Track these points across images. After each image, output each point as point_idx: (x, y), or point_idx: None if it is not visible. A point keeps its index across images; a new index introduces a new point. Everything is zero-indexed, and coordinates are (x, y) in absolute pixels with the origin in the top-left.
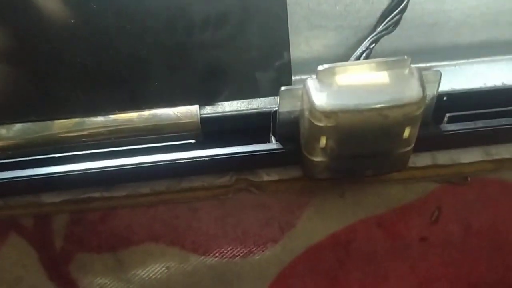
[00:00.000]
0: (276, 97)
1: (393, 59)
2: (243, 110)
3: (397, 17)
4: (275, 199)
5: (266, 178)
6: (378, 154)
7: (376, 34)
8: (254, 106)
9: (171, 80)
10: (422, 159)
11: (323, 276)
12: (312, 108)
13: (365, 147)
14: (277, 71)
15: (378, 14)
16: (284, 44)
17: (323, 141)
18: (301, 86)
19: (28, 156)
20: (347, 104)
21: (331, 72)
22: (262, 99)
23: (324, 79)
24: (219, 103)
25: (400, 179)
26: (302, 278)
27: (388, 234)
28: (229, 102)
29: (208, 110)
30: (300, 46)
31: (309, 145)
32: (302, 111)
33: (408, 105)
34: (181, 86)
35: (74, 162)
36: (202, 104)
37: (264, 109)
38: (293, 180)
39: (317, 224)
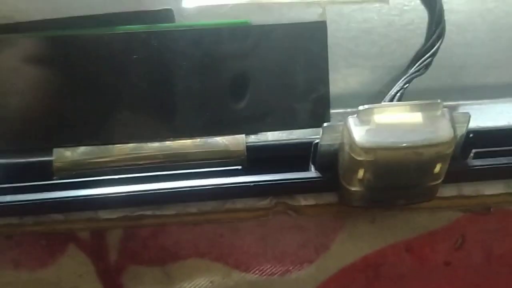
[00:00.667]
0: (314, 129)
1: (427, 102)
2: (285, 140)
3: (428, 59)
4: (311, 222)
5: (303, 202)
6: (410, 187)
7: (409, 76)
8: (295, 137)
9: (220, 111)
10: (449, 190)
11: None
12: (353, 143)
13: (399, 180)
14: (317, 105)
15: (411, 55)
16: (324, 81)
17: (360, 173)
18: (342, 122)
19: (89, 177)
20: (385, 142)
21: (370, 112)
22: (302, 130)
23: (364, 117)
24: (263, 133)
25: (427, 207)
26: None
27: (415, 258)
28: (272, 132)
29: (253, 139)
30: (338, 83)
31: (347, 176)
32: (342, 145)
33: (440, 144)
34: (228, 116)
35: (129, 184)
36: (247, 134)
37: (304, 140)
38: (328, 205)
39: (349, 247)
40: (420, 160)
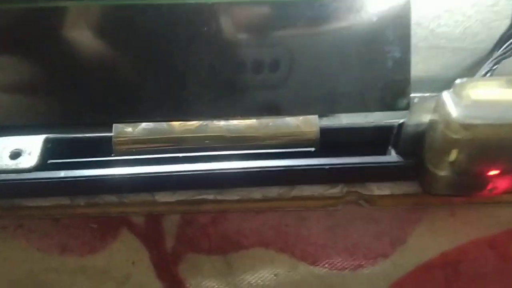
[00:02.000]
0: (391, 113)
1: None
2: (362, 123)
3: None
4: (385, 213)
5: (377, 192)
6: (503, 171)
7: (497, 58)
8: (371, 120)
9: (292, 89)
10: None
11: None
12: (449, 120)
13: (494, 163)
14: (397, 87)
15: (495, 37)
16: (405, 62)
17: (453, 154)
18: (433, 100)
19: (150, 154)
20: (486, 118)
21: (468, 86)
22: (378, 113)
23: (461, 92)
24: (336, 115)
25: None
26: None
27: (499, 256)
28: (346, 115)
29: (326, 121)
30: (418, 65)
31: (437, 158)
32: (433, 123)
33: None
34: (302, 96)
35: (190, 163)
36: (321, 115)
37: (384, 123)
38: (404, 196)
39: (428, 241)
40: None
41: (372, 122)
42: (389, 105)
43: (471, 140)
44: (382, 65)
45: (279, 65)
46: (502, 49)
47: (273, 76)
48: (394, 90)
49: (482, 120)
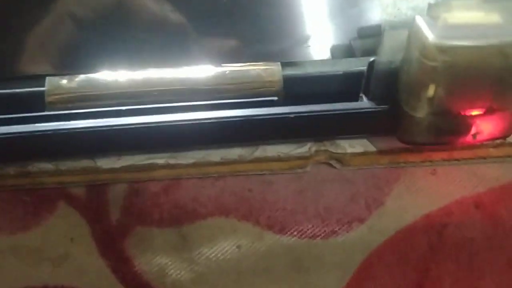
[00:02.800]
0: (362, 60)
1: None
2: (330, 70)
3: None
4: (359, 173)
5: (349, 150)
6: (487, 110)
7: None
8: (339, 68)
9: (250, 33)
10: None
11: (412, 267)
12: (426, 44)
13: (476, 98)
14: (368, 34)
15: None
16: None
17: (431, 89)
18: (406, 28)
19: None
20: (466, 39)
21: (443, 7)
22: (345, 60)
23: (436, 13)
24: (301, 62)
25: (497, 156)
26: (390, 268)
27: (487, 217)
28: (311, 62)
29: (290, 70)
30: (388, 9)
31: (414, 96)
32: (407, 54)
33: None
34: (260, 41)
35: (136, 115)
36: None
37: (353, 69)
38: (379, 153)
39: (408, 203)
40: (505, 66)
41: (339, 70)
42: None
43: (450, 68)
44: (350, 8)
45: (235, 8)
46: None
47: (228, 19)
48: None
49: (462, 41)
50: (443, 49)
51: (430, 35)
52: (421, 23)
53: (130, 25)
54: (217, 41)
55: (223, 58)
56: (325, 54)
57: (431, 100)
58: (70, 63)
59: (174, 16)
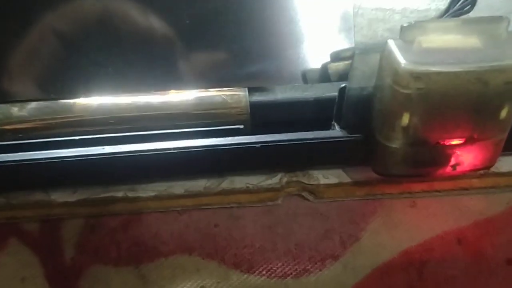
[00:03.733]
0: (334, 86)
1: (488, 17)
2: (299, 96)
3: None
4: (333, 206)
5: (322, 181)
6: (467, 139)
7: (453, 12)
8: (310, 94)
9: (218, 59)
10: (508, 164)
11: None
12: (398, 70)
13: (455, 127)
14: (341, 58)
15: None
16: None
17: (405, 118)
18: (378, 52)
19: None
20: (440, 65)
21: (417, 30)
22: (317, 86)
23: (409, 37)
24: (269, 88)
25: (481, 187)
26: None
27: (470, 253)
28: (281, 88)
29: (258, 97)
30: (363, 30)
31: (387, 126)
32: (380, 81)
33: (511, 68)
34: (228, 68)
35: (92, 145)
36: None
37: (324, 95)
38: (354, 184)
39: (385, 238)
40: (483, 94)
41: (310, 96)
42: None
43: (424, 95)
44: (324, 31)
45: (201, 31)
46: (457, 5)
47: (195, 44)
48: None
49: (437, 67)
50: (417, 75)
51: (402, 60)
52: (393, 46)
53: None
54: (181, 64)
55: (187, 82)
56: (297, 79)
57: (406, 129)
58: (17, 90)
59: (150, 33)
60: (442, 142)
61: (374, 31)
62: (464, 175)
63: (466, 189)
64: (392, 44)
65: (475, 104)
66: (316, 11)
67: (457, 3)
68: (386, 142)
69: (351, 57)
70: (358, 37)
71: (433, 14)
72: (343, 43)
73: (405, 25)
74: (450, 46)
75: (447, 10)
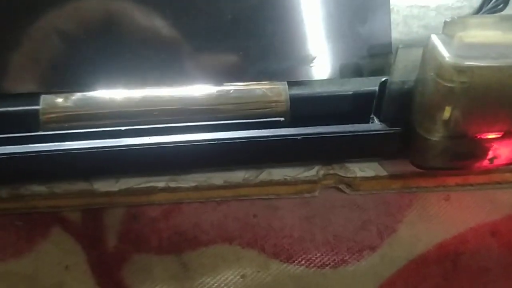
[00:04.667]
0: (372, 80)
1: None
2: (338, 90)
3: None
4: (369, 199)
5: (359, 174)
6: (505, 133)
7: (487, 10)
8: (348, 88)
9: (258, 53)
10: None
11: None
12: (442, 64)
13: (494, 121)
14: (377, 50)
15: None
16: (385, 21)
17: (447, 111)
18: (421, 47)
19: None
20: (483, 59)
21: (459, 25)
22: (355, 80)
23: (452, 32)
24: (308, 82)
25: None
26: None
27: (503, 245)
28: (319, 82)
29: (297, 90)
30: (398, 27)
31: (428, 118)
32: (422, 75)
33: None
34: (267, 60)
35: (136, 136)
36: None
37: (363, 89)
38: (390, 177)
39: (421, 230)
40: None
41: (348, 90)
42: (368, 72)
43: (467, 89)
44: (360, 26)
45: (240, 26)
46: (491, 3)
47: (233, 36)
48: (374, 53)
49: (480, 61)
50: (460, 69)
51: (446, 54)
52: (437, 41)
53: (123, 41)
54: (221, 59)
55: (227, 76)
56: (333, 74)
57: (446, 122)
58: (60, 80)
59: (167, 31)
60: (480, 136)
61: (409, 28)
62: (497, 169)
63: (499, 183)
64: (435, 39)
65: None
66: (352, 7)
67: (490, 2)
68: (426, 135)
69: (385, 54)
70: (394, 33)
71: (466, 11)
72: (377, 39)
73: (447, 20)
74: (491, 42)
75: (480, 8)
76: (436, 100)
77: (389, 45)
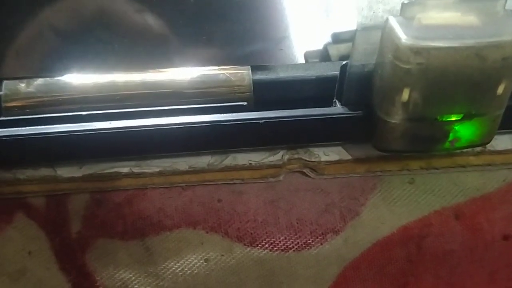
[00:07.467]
0: (332, 63)
1: None
2: (301, 75)
3: None
4: (333, 183)
5: (324, 158)
6: (465, 115)
7: None
8: (312, 73)
9: (220, 36)
10: (504, 142)
11: (390, 280)
12: (399, 45)
13: (453, 103)
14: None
15: None
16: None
17: (406, 93)
18: (379, 29)
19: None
20: (440, 41)
21: (417, 7)
22: (319, 65)
23: (410, 14)
24: (271, 67)
25: (477, 164)
26: (366, 282)
27: (467, 228)
28: (283, 67)
29: (260, 75)
30: (363, 11)
31: (387, 101)
32: (381, 57)
33: (508, 44)
34: (231, 46)
35: (99, 121)
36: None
37: (326, 74)
38: (355, 161)
39: (385, 213)
40: (482, 69)
41: (312, 74)
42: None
43: (424, 70)
44: (325, 12)
45: (203, 10)
46: None
47: (196, 21)
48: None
49: (437, 43)
50: (417, 50)
51: (403, 36)
52: (394, 23)
53: (87, 27)
54: (184, 43)
55: (190, 61)
56: (299, 59)
57: (406, 105)
58: (24, 66)
59: (129, 16)
60: (440, 118)
61: (374, 12)
62: (461, 153)
63: (463, 166)
64: (392, 21)
65: (473, 79)
66: None
67: None
68: (386, 117)
69: (351, 39)
70: (359, 18)
71: None
72: (342, 25)
73: (405, 2)
74: (449, 23)
75: None
76: (394, 83)
77: (354, 31)
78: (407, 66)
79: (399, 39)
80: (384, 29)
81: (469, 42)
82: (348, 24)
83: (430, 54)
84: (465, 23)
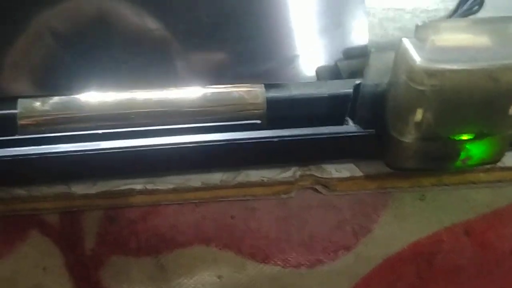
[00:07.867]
0: (347, 83)
1: (499, 17)
2: (314, 93)
3: None
4: (345, 199)
5: (335, 175)
6: (477, 135)
7: (462, 12)
8: (324, 90)
9: (233, 55)
10: None
11: None
12: (413, 67)
13: (465, 123)
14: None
15: None
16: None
17: (419, 113)
18: (393, 51)
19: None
20: (454, 63)
21: (431, 29)
22: (332, 83)
23: (424, 35)
24: (285, 84)
25: (488, 181)
26: None
27: (477, 245)
28: (296, 85)
29: (274, 93)
30: (375, 29)
31: (400, 121)
32: (394, 78)
33: None
34: (243, 63)
35: (114, 139)
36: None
37: (339, 92)
38: (366, 178)
39: (396, 230)
40: (495, 90)
41: (325, 92)
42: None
43: (438, 92)
44: (337, 29)
45: (218, 29)
46: (466, 5)
47: (211, 39)
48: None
49: (451, 65)
50: (431, 73)
51: (417, 58)
52: (408, 45)
53: (112, 41)
54: (199, 61)
55: (204, 79)
56: (311, 76)
57: (419, 124)
58: (47, 83)
59: (157, 32)
60: (452, 137)
61: (385, 30)
62: (471, 169)
63: (473, 183)
64: (407, 42)
65: (485, 100)
66: (328, 10)
67: (465, 4)
68: (399, 137)
69: (361, 55)
70: (370, 36)
71: (442, 13)
72: (353, 42)
73: (419, 24)
74: (463, 45)
75: (455, 10)
76: (408, 103)
77: (365, 47)
78: (421, 88)
79: (414, 61)
80: (398, 50)
81: (482, 64)
82: (358, 40)
83: (444, 76)
84: (478, 45)
